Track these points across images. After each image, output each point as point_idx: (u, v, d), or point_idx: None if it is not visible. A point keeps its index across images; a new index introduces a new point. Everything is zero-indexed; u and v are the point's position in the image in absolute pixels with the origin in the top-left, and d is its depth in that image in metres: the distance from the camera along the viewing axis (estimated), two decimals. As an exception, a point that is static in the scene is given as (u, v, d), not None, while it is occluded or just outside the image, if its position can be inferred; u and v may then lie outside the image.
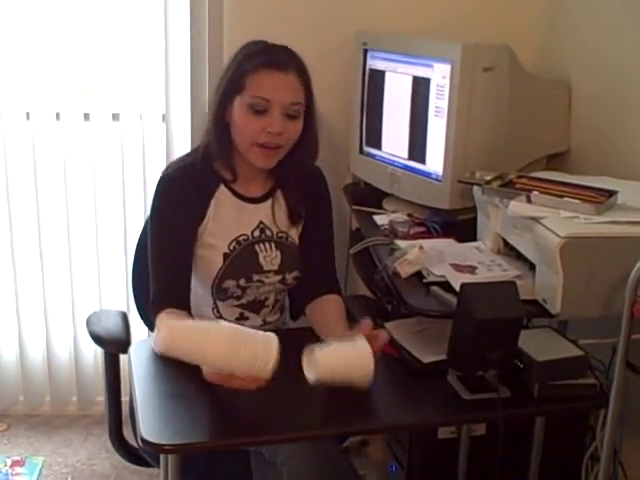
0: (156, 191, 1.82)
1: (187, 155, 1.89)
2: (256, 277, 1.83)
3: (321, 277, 1.91)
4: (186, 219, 1.79)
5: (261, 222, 1.86)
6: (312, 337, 1.69)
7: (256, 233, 1.85)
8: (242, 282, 1.82)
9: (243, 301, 1.86)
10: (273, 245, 1.86)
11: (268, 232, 1.87)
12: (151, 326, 2.02)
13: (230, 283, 1.81)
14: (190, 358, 1.46)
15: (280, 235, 1.88)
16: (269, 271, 1.85)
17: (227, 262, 1.81)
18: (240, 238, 1.83)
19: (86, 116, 2.52)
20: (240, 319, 1.87)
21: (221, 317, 1.86)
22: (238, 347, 1.43)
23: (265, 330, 1.47)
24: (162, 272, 1.79)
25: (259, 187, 1.88)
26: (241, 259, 1.82)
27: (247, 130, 1.75)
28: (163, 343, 1.53)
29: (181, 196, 1.80)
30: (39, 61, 2.44)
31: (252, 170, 1.82)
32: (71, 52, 2.44)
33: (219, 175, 1.84)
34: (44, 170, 2.55)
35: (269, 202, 1.88)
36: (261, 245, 1.85)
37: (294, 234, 1.90)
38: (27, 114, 2.49)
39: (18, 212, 2.59)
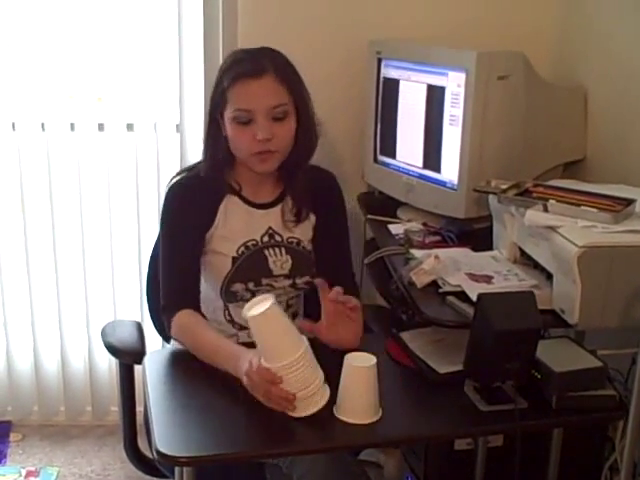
0: (165, 199, 1.85)
1: (196, 163, 1.91)
2: (265, 281, 1.84)
3: (336, 281, 1.90)
4: (194, 225, 1.82)
5: (270, 228, 1.87)
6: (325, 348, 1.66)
7: (265, 238, 1.86)
8: (251, 286, 1.82)
9: None
10: (283, 250, 1.87)
11: (277, 237, 1.87)
12: (164, 334, 2.03)
13: (239, 286, 1.82)
14: (263, 340, 1.47)
15: (290, 240, 1.88)
16: (279, 275, 1.85)
17: (235, 266, 1.82)
18: (249, 243, 1.85)
19: (100, 126, 2.53)
20: None
21: (232, 321, 1.87)
22: (312, 362, 1.46)
23: None
24: (173, 277, 1.82)
25: (268, 193, 1.89)
26: (249, 263, 1.83)
27: (239, 143, 1.78)
28: (258, 312, 1.47)
29: (189, 203, 1.83)
30: (54, 72, 2.44)
31: (257, 176, 1.84)
32: (86, 62, 2.45)
33: (227, 182, 1.86)
34: (59, 180, 2.56)
35: (278, 207, 1.89)
36: (271, 250, 1.86)
37: (305, 239, 1.90)
38: (42, 125, 2.50)
39: (33, 222, 2.60)
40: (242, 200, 1.87)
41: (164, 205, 1.85)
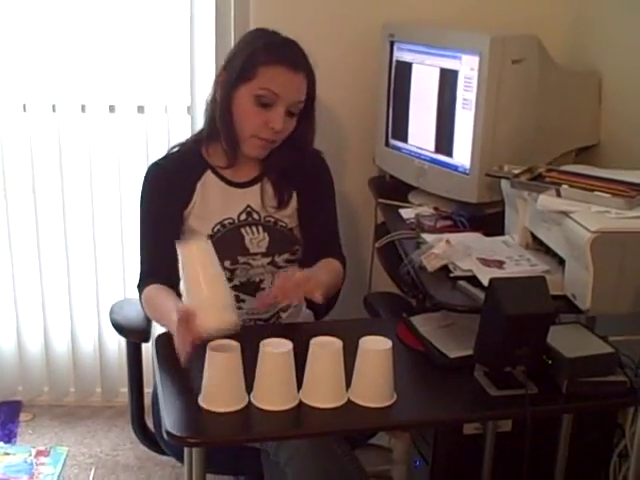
0: (144, 178, 1.90)
1: (179, 145, 1.94)
2: (242, 259, 1.84)
3: (321, 250, 1.92)
4: (169, 204, 1.85)
5: (248, 206, 1.88)
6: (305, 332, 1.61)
7: (242, 216, 1.87)
8: (227, 264, 1.82)
9: (236, 282, 1.86)
10: (260, 228, 1.88)
11: (255, 215, 1.88)
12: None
13: None
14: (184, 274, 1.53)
15: (268, 219, 1.89)
16: (256, 254, 1.86)
17: None
18: (225, 221, 1.86)
19: (111, 108, 2.52)
20: (236, 302, 1.84)
21: None
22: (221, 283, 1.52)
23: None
24: (145, 256, 1.88)
25: (246, 172, 1.90)
26: (225, 241, 1.83)
27: (249, 122, 1.78)
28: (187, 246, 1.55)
29: (164, 183, 1.86)
30: (65, 54, 2.44)
31: (242, 157, 1.85)
32: (97, 45, 2.44)
33: (206, 161, 1.88)
34: (70, 161, 2.56)
35: (257, 187, 1.90)
36: (247, 228, 1.87)
37: (285, 217, 1.91)
38: (53, 106, 2.49)
39: (43, 203, 2.60)
40: (220, 179, 1.88)
41: (142, 185, 1.89)
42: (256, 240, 1.86)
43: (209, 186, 1.87)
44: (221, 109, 1.81)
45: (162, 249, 1.82)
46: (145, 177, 1.89)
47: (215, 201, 1.87)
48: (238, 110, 1.79)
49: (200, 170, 1.88)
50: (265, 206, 1.89)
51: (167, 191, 1.85)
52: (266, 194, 1.90)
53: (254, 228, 1.87)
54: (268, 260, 1.87)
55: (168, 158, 1.92)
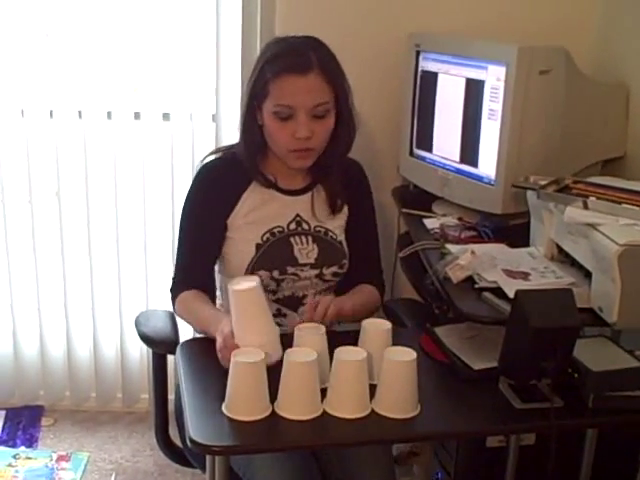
0: (193, 179, 1.87)
1: (231, 145, 1.91)
2: (291, 270, 1.82)
3: (361, 271, 1.91)
4: (214, 209, 1.82)
5: (298, 215, 1.86)
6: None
7: (292, 226, 1.85)
8: (276, 274, 1.81)
9: (279, 296, 1.84)
10: (310, 238, 1.85)
11: (305, 225, 1.86)
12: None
13: (263, 274, 1.80)
14: (236, 317, 1.54)
15: (318, 229, 1.86)
16: (305, 264, 1.83)
17: (259, 253, 1.81)
18: (275, 230, 1.83)
19: (137, 115, 2.54)
20: (277, 315, 1.85)
21: None
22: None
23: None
24: (182, 258, 1.86)
25: (299, 180, 1.88)
26: (274, 250, 1.82)
27: (277, 138, 1.76)
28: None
29: (213, 185, 1.83)
30: (91, 61, 2.46)
31: (291, 168, 1.83)
32: (122, 52, 2.46)
33: (258, 170, 1.85)
34: (95, 168, 2.57)
35: (308, 195, 1.88)
36: (297, 238, 1.84)
37: (335, 228, 1.89)
38: (79, 113, 2.51)
39: (68, 210, 2.62)
40: (270, 186, 1.85)
41: (190, 185, 1.87)
42: (305, 250, 1.84)
43: (259, 192, 1.84)
44: (251, 127, 1.79)
45: (200, 254, 1.85)
46: (195, 176, 1.87)
47: (264, 209, 1.83)
48: (266, 127, 1.76)
49: (250, 176, 1.84)
50: (316, 215, 1.86)
51: (214, 194, 1.83)
52: (317, 203, 1.87)
53: (303, 238, 1.84)
54: (316, 272, 1.84)
55: (222, 159, 1.87)
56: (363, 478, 1.68)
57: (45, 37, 2.43)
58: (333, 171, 1.86)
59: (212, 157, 1.88)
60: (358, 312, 1.78)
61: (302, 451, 1.66)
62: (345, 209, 1.91)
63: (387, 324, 1.59)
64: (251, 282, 1.55)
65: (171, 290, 1.87)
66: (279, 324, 1.77)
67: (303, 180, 1.88)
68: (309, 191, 1.88)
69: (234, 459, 1.61)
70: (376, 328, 1.58)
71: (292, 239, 1.84)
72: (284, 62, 1.71)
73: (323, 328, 1.56)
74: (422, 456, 2.05)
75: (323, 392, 1.46)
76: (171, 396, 1.92)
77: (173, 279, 1.88)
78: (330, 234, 1.87)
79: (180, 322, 1.97)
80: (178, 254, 1.88)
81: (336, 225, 1.89)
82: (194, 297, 1.81)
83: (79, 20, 2.42)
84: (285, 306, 1.86)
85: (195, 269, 1.84)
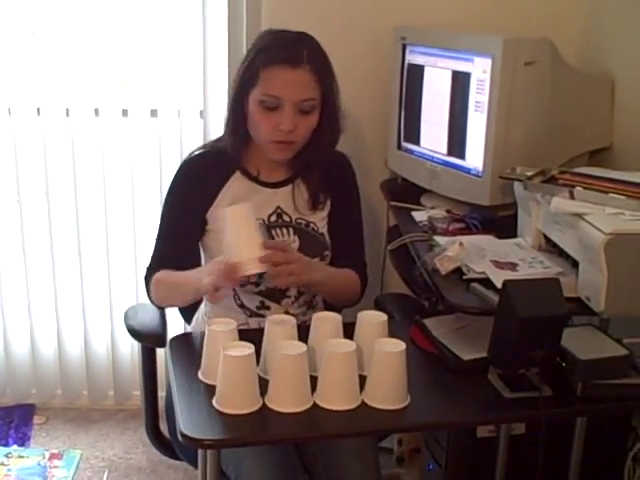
0: (175, 173, 1.89)
1: (216, 140, 1.92)
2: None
3: (343, 263, 1.91)
4: (193, 202, 1.84)
5: (279, 207, 1.87)
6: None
7: (273, 218, 1.86)
8: None
9: (262, 288, 1.84)
10: (291, 230, 1.86)
11: (286, 217, 1.86)
12: (185, 316, 2.04)
13: None
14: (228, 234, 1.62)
15: (299, 221, 1.87)
16: None
17: None
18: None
19: (124, 112, 2.53)
20: (261, 308, 1.85)
21: (242, 305, 1.86)
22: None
23: None
24: (161, 248, 1.90)
25: (279, 173, 1.89)
26: None
27: (261, 127, 1.77)
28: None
29: (192, 180, 1.85)
30: (78, 58, 2.45)
31: (271, 160, 1.84)
32: (110, 49, 2.45)
33: (240, 161, 1.86)
34: (83, 165, 2.57)
35: (289, 188, 1.88)
36: (277, 230, 1.85)
37: (317, 221, 1.89)
38: (67, 110, 2.51)
39: (57, 207, 2.62)
40: (249, 178, 1.86)
41: (173, 176, 1.89)
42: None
43: (238, 185, 1.85)
44: (237, 115, 1.80)
45: (176, 247, 1.86)
46: (176, 172, 1.89)
47: (245, 200, 1.82)
48: (251, 116, 1.77)
49: (231, 169, 1.86)
50: (297, 208, 1.87)
51: (193, 190, 1.84)
52: (298, 195, 1.88)
53: (284, 230, 1.85)
54: None
55: (199, 155, 1.89)
56: (346, 471, 1.68)
57: (31, 35, 2.42)
58: (315, 168, 1.87)
59: (196, 152, 1.90)
60: (332, 286, 1.82)
61: (286, 444, 1.67)
62: (328, 202, 1.92)
63: (383, 316, 1.60)
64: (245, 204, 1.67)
65: (145, 278, 1.89)
66: (262, 316, 1.81)
67: (285, 172, 1.89)
68: (290, 183, 1.89)
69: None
70: (372, 320, 1.59)
71: (273, 231, 1.85)
72: (276, 53, 1.72)
73: (294, 320, 1.57)
74: (424, 452, 2.06)
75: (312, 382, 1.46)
76: (162, 393, 1.92)
77: (147, 268, 1.90)
78: (312, 226, 1.88)
79: (169, 316, 1.98)
80: (155, 246, 1.91)
81: (318, 217, 1.90)
82: (167, 273, 1.83)
83: (65, 18, 2.41)
84: (267, 298, 1.85)
85: (169, 260, 1.85)
